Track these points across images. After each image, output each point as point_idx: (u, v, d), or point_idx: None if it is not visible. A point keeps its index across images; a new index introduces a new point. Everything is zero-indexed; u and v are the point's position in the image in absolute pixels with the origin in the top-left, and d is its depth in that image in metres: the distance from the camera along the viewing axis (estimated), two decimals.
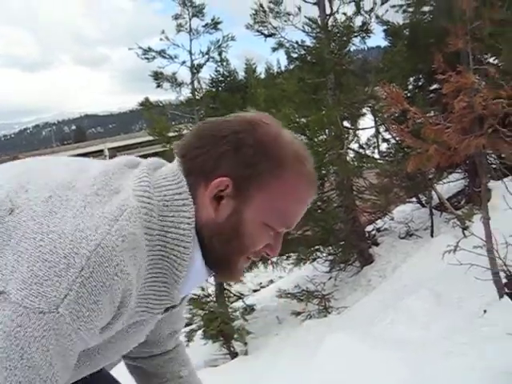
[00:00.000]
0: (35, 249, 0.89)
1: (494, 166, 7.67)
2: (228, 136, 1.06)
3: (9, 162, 1.17)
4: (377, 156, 9.36)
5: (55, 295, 0.87)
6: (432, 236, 7.82)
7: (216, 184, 1.04)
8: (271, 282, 12.32)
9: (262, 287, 12.39)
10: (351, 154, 8.73)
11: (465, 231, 5.71)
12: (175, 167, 1.08)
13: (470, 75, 4.33)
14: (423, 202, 9.31)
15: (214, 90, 10.53)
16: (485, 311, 4.33)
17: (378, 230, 9.26)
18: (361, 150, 8.94)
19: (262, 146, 1.07)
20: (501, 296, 4.14)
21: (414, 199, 9.67)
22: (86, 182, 1.00)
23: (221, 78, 14.35)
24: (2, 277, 0.88)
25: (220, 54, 10.04)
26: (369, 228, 9.26)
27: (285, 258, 8.63)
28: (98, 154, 36.58)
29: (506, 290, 3.34)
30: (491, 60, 6.84)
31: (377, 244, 8.71)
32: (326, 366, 4.35)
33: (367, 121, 10.21)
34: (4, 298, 0.86)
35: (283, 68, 15.76)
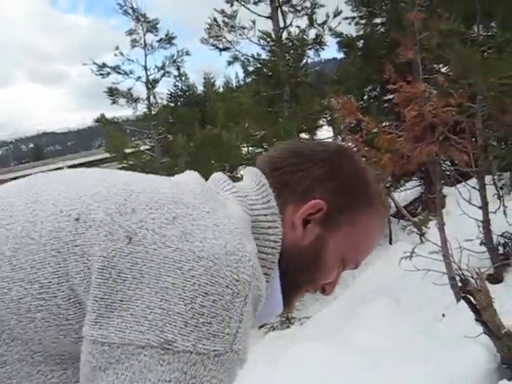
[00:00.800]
0: (187, 281, 0.74)
1: (447, 172, 7.84)
2: (328, 159, 1.00)
3: (56, 175, 1.00)
4: None
5: (228, 332, 0.74)
6: (391, 243, 7.93)
7: (311, 205, 0.95)
8: None
9: None
10: None
11: (421, 237, 5.83)
12: (262, 180, 0.99)
13: (419, 84, 4.44)
14: None
15: (172, 104, 10.52)
16: (443, 315, 4.41)
17: None
18: None
19: (359, 178, 1.01)
20: (458, 300, 4.22)
21: None
22: (190, 196, 0.87)
23: (179, 93, 14.32)
24: (150, 325, 0.72)
25: (178, 69, 10.07)
26: None
27: None
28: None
29: (462, 294, 3.40)
30: (442, 69, 7.01)
31: None
32: (290, 376, 4.36)
33: (325, 132, 10.33)
34: (165, 350, 0.71)
35: (241, 82, 15.85)
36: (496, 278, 4.38)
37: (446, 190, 6.92)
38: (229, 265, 0.77)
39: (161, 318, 0.72)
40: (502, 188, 6.70)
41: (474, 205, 4.86)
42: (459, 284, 3.30)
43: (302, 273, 0.96)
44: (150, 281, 0.74)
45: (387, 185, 8.43)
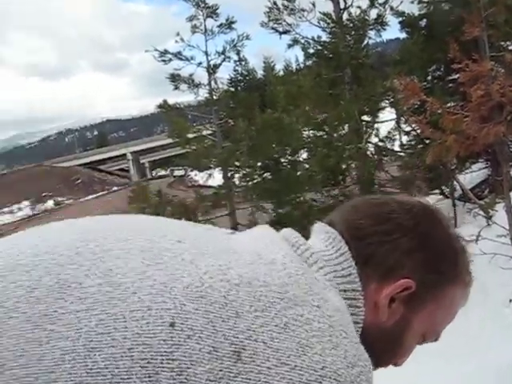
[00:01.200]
0: None
1: None
2: (416, 227, 0.89)
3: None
4: (397, 149, 9.31)
5: None
6: (456, 226, 7.75)
7: (400, 285, 0.85)
8: None
9: None
10: (371, 148, 8.70)
11: (488, 220, 5.68)
12: (342, 248, 0.88)
13: (486, 63, 4.30)
14: (446, 194, 9.23)
15: (232, 89, 10.56)
16: (511, 300, 4.30)
17: None
18: (380, 144, 8.90)
19: (449, 248, 0.91)
20: None
21: (436, 191, 9.60)
22: (291, 282, 0.74)
23: (240, 78, 14.42)
24: None
25: (238, 54, 10.08)
26: None
27: None
28: (120, 157, 36.87)
29: None
30: (510, 47, 6.76)
31: None
32: None
33: (387, 114, 10.16)
34: None
35: (301, 65, 15.77)
36: None
37: None
38: (352, 381, 0.69)
39: None
40: None
41: None
42: None
43: (382, 354, 0.88)
44: None
45: (453, 167, 8.23)
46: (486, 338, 3.80)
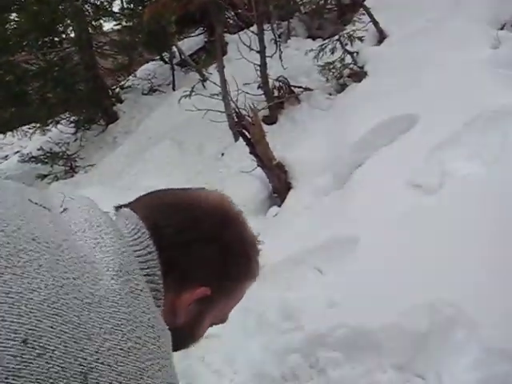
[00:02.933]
0: None
1: (230, 20, 7.90)
2: (215, 238, 0.92)
3: None
4: (116, 9, 8.96)
5: None
6: (174, 89, 7.95)
7: (198, 294, 0.90)
8: (17, 152, 11.63)
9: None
10: (87, 7, 8.22)
11: (203, 82, 5.95)
12: (151, 250, 0.87)
13: None
14: (166, 59, 9.32)
15: None
16: (222, 154, 4.66)
17: (122, 87, 9.10)
18: (97, 2, 8.45)
19: (243, 254, 0.95)
20: (236, 139, 4.46)
21: (157, 57, 9.63)
22: (131, 298, 0.77)
23: None
24: None
25: None
26: (112, 86, 9.05)
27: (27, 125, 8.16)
28: None
29: (237, 129, 3.60)
30: None
31: (121, 101, 8.59)
32: None
33: None
34: None
35: None
36: (271, 119, 4.67)
37: (229, 37, 7.01)
38: None
39: None
40: (280, 36, 6.98)
41: (253, 49, 5.01)
42: (236, 120, 3.47)
43: (174, 346, 0.92)
44: None
45: (172, 31, 8.26)
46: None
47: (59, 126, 8.61)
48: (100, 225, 0.85)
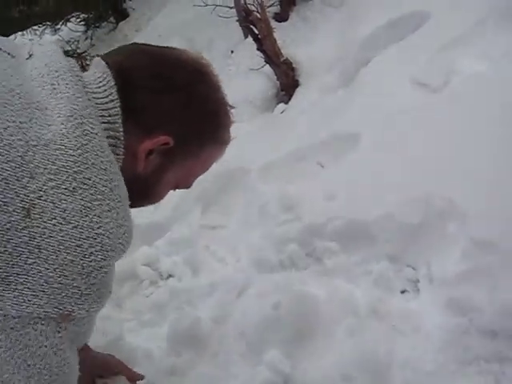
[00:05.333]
0: (85, 258, 0.76)
1: None
2: (186, 85, 0.94)
3: None
4: None
5: (110, 290, 0.86)
6: None
7: (159, 141, 0.94)
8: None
9: None
10: None
11: None
12: (113, 94, 0.90)
13: None
14: None
15: None
16: (232, 52, 4.61)
17: None
18: None
19: (211, 111, 0.98)
20: (246, 36, 4.39)
21: None
22: (85, 141, 0.81)
23: None
24: (49, 298, 0.73)
25: None
26: None
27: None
28: None
29: (244, 24, 3.55)
30: None
31: None
32: None
33: None
34: (63, 319, 0.76)
35: None
36: (282, 16, 4.57)
37: None
38: (119, 237, 0.80)
39: (59, 291, 0.73)
40: None
41: None
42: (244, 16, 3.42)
43: (136, 197, 0.93)
44: (49, 256, 0.71)
45: None
46: None
47: (69, 24, 8.46)
48: (58, 70, 0.88)
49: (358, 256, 2.07)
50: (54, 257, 0.73)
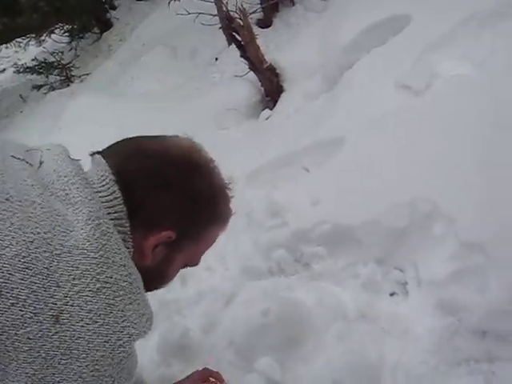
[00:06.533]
0: (115, 351, 0.81)
1: None
2: (181, 180, 0.97)
3: None
4: None
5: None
6: None
7: (162, 238, 0.97)
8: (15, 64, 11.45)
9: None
10: None
11: None
12: (116, 195, 0.93)
13: None
14: None
15: None
16: (216, 59, 4.61)
17: None
18: None
19: (210, 201, 1.02)
20: (230, 43, 4.40)
21: None
22: (104, 242, 0.84)
23: None
24: None
25: None
26: None
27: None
28: None
29: (227, 31, 3.55)
30: None
31: (114, 8, 8.37)
32: (71, 130, 4.37)
33: None
34: None
35: None
36: (265, 22, 4.58)
37: None
38: (143, 326, 0.85)
39: (94, 383, 0.78)
40: None
41: None
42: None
43: (148, 286, 0.97)
44: (80, 355, 0.76)
45: None
46: (194, 91, 4.09)
47: (54, 35, 8.44)
48: (67, 175, 0.92)
49: (345, 260, 2.07)
50: (85, 355, 0.77)
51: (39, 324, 0.75)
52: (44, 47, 8.37)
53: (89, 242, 0.82)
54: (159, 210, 0.98)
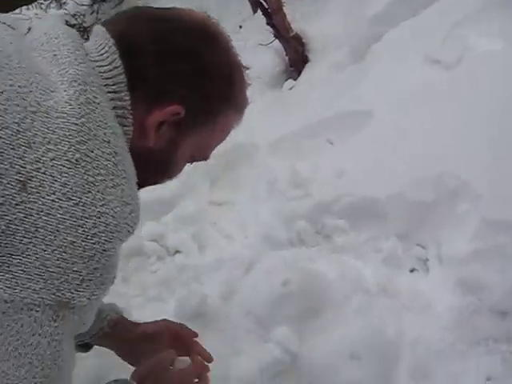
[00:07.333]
0: (88, 240, 0.68)
1: None
2: (193, 51, 0.85)
3: None
4: None
5: (114, 275, 0.79)
6: None
7: (169, 112, 0.85)
8: None
9: None
10: None
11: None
12: (117, 63, 0.82)
13: None
14: None
15: None
16: (240, 27, 4.55)
17: None
18: None
19: (223, 77, 0.90)
20: (255, 11, 4.33)
21: None
22: (90, 109, 0.73)
23: None
24: (45, 283, 0.66)
25: None
26: None
27: None
28: None
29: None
30: None
31: None
32: None
33: None
34: (60, 307, 0.67)
35: None
36: None
37: None
38: (125, 217, 0.72)
39: (57, 276, 0.66)
40: None
41: None
42: None
43: (150, 173, 0.89)
44: (46, 236, 0.65)
45: None
46: None
47: None
48: (58, 36, 0.81)
49: (367, 234, 2.06)
50: (52, 237, 0.66)
51: (2, 188, 0.64)
52: (66, 9, 8.30)
53: (70, 105, 0.71)
54: (166, 80, 0.85)
